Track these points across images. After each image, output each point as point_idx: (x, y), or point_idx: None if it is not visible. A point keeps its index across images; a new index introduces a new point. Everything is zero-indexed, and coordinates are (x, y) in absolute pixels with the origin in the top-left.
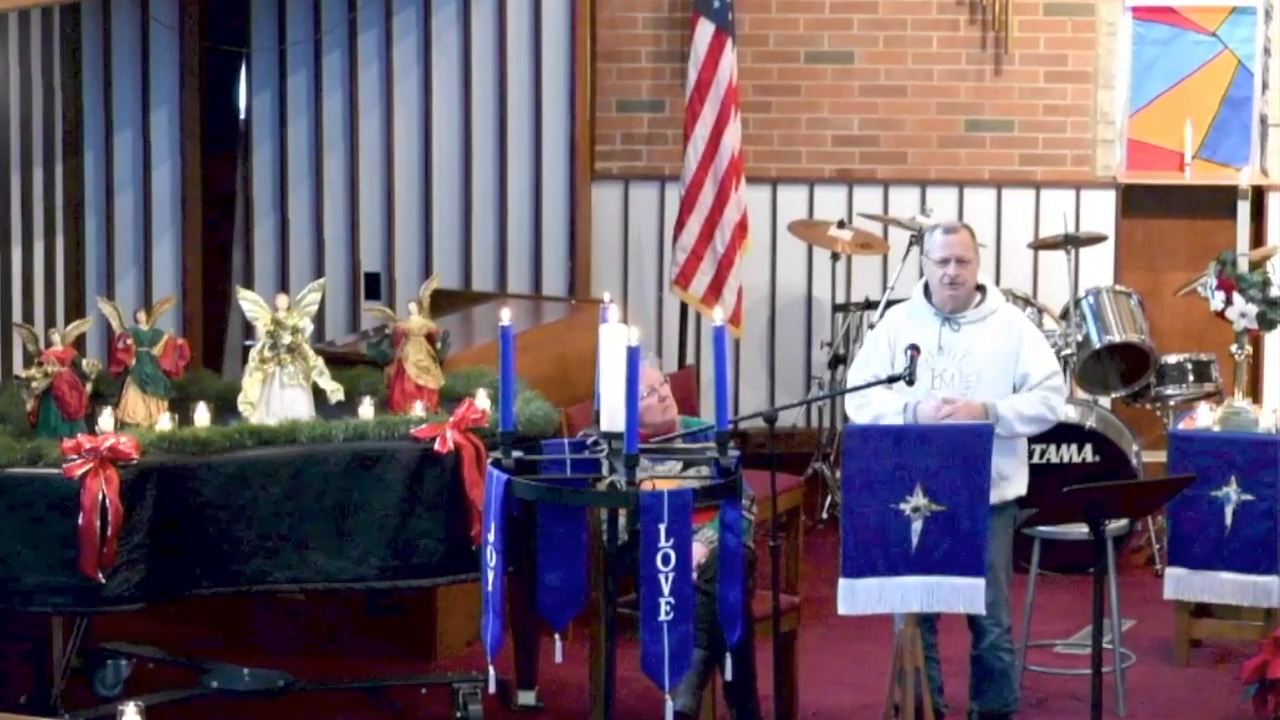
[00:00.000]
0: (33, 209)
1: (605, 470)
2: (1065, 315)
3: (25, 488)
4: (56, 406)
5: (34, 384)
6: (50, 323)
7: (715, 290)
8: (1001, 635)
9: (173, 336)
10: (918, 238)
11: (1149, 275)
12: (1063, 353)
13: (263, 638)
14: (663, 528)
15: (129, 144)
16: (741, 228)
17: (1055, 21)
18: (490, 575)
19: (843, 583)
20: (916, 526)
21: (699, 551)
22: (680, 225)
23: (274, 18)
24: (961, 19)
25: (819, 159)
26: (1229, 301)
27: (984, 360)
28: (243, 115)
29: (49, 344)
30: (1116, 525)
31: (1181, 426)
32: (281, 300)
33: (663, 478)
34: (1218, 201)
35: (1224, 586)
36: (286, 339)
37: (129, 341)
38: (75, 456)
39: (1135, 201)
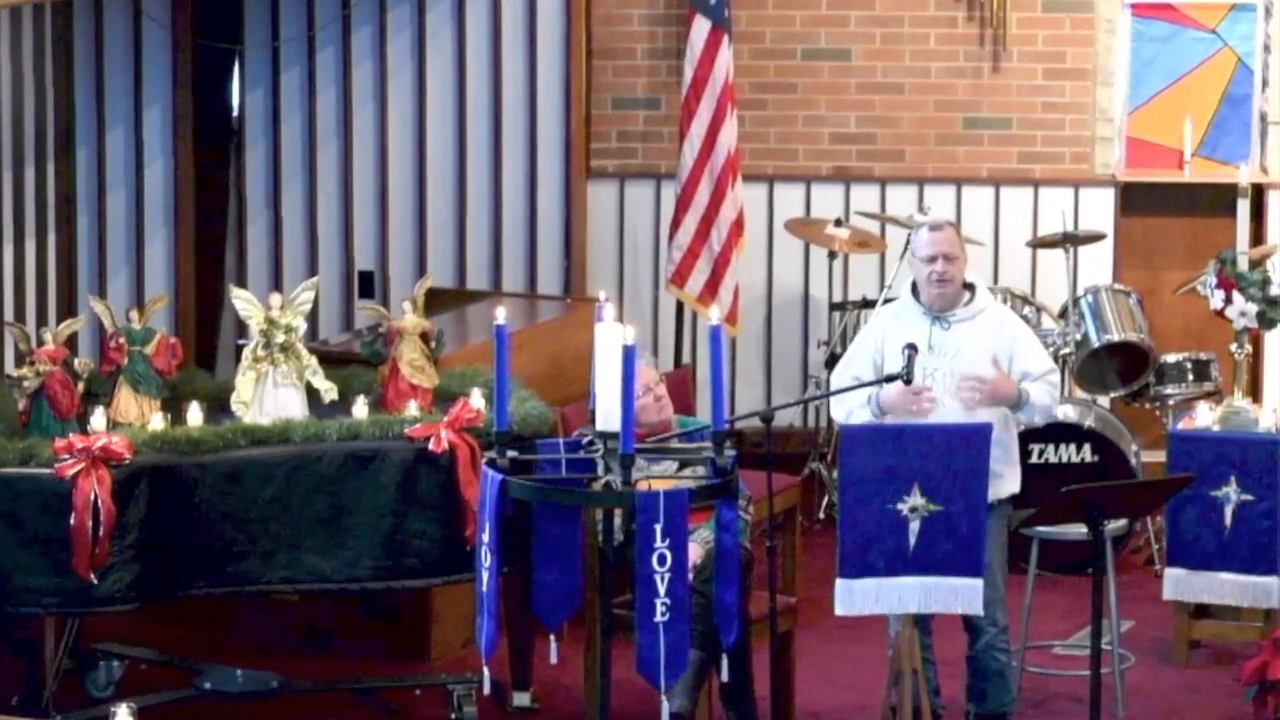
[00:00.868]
0: (24, 207)
1: (601, 470)
2: (1064, 314)
3: (16, 488)
4: (48, 406)
5: (25, 383)
6: (42, 321)
7: (711, 289)
8: (997, 635)
9: (165, 335)
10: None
11: (1148, 274)
12: (1061, 352)
13: (256, 638)
14: (658, 528)
15: (121, 141)
16: (738, 226)
17: (1054, 18)
18: (485, 576)
19: (840, 583)
20: (914, 527)
21: (695, 552)
22: (676, 223)
23: (267, 14)
24: (959, 16)
25: (816, 157)
26: (1229, 300)
27: (974, 359)
28: (235, 112)
29: (41, 343)
30: (1115, 525)
31: (1181, 426)
32: (275, 299)
33: (659, 478)
34: (1217, 200)
35: (1223, 587)
36: (280, 338)
37: (121, 340)
38: (67, 456)
39: (1134, 200)
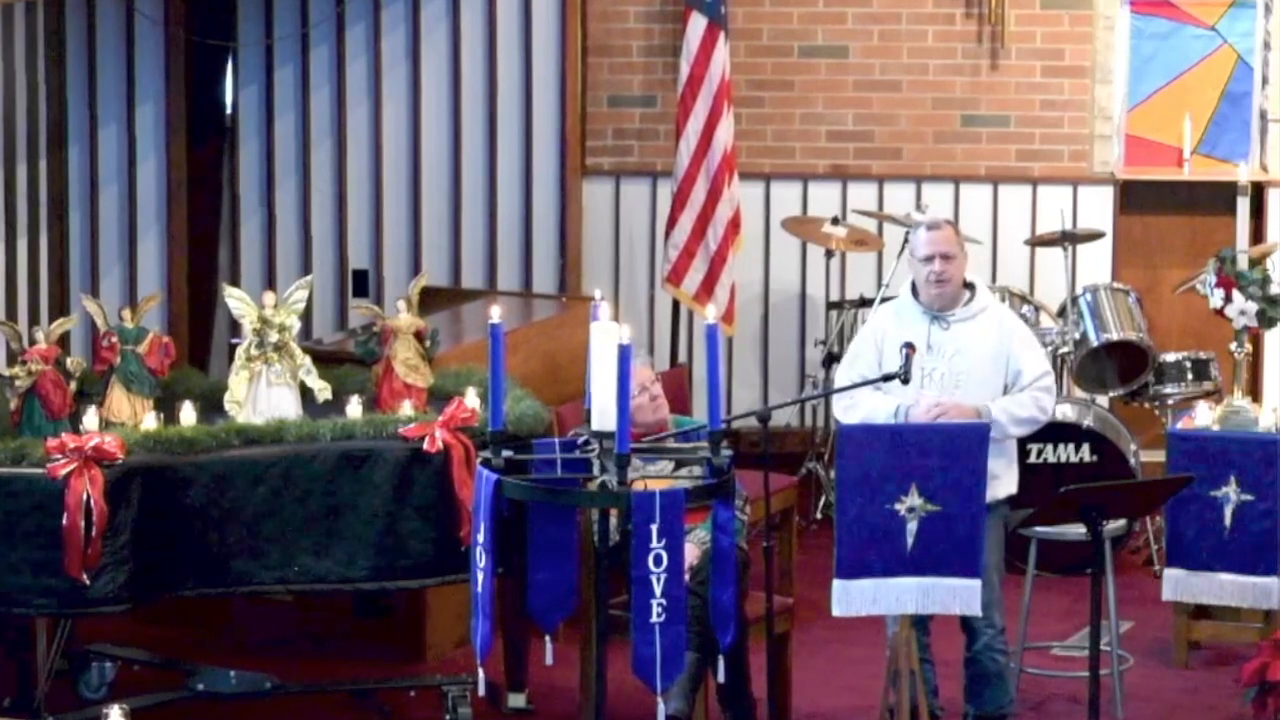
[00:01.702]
0: (16, 205)
1: (596, 470)
2: (1062, 313)
3: (8, 488)
4: (40, 405)
5: (18, 382)
6: (34, 320)
7: (708, 288)
8: (995, 636)
9: (158, 334)
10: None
11: (1147, 272)
12: (1060, 351)
13: (249, 639)
14: (654, 528)
15: (114, 139)
16: (734, 224)
17: (1052, 15)
18: (480, 576)
19: (837, 584)
20: (912, 527)
21: (691, 552)
22: (672, 222)
23: (260, 11)
24: (957, 13)
25: (813, 155)
26: (1228, 299)
27: (974, 359)
28: (229, 110)
29: (33, 342)
30: (1114, 526)
31: (1180, 426)
32: (268, 298)
33: (655, 478)
34: (1217, 198)
35: (1223, 588)
36: (273, 337)
37: (114, 339)
38: (59, 456)
39: (1133, 198)
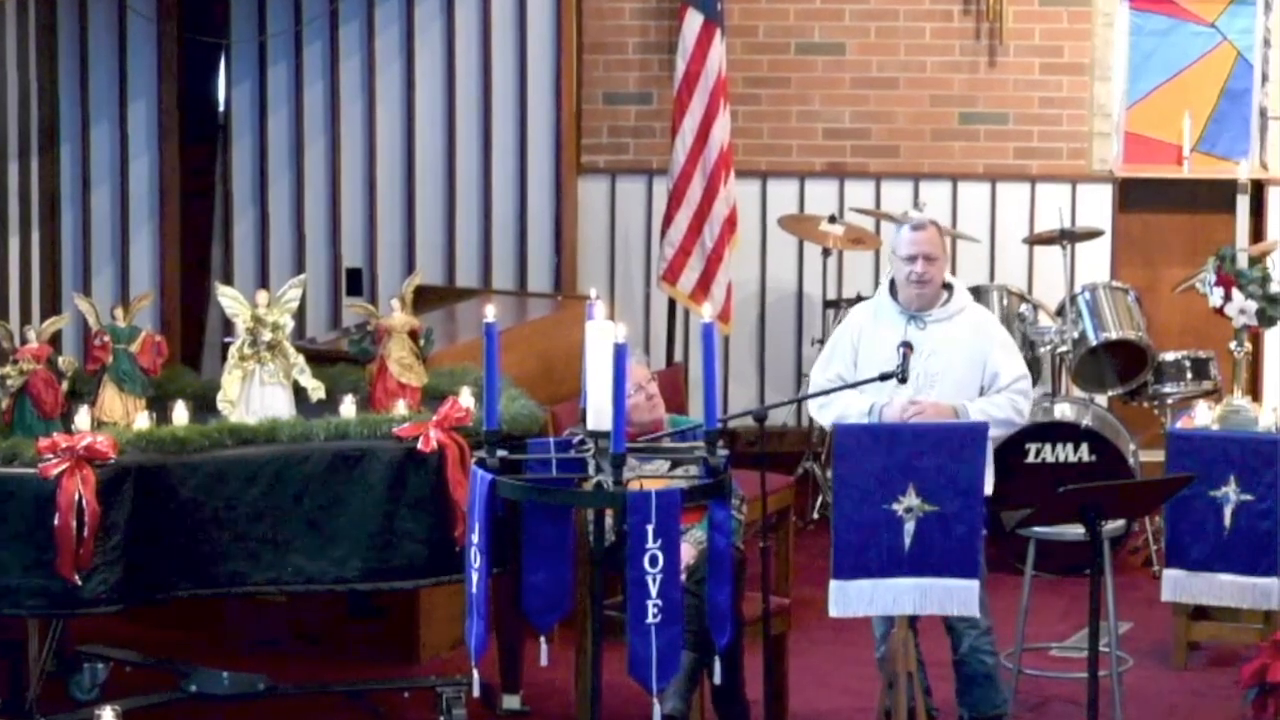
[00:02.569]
0: (7, 203)
1: (591, 470)
2: (1061, 312)
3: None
4: (32, 405)
5: (9, 382)
6: (26, 319)
7: (704, 286)
8: (979, 637)
9: (150, 333)
10: None
11: (1146, 271)
12: (1058, 350)
13: (242, 640)
14: (650, 528)
15: (106, 137)
16: (730, 223)
17: (1051, 12)
18: (474, 577)
19: (834, 584)
20: (909, 527)
21: (687, 553)
22: (668, 220)
23: (254, 8)
24: (955, 9)
25: (810, 152)
26: (1228, 298)
27: (950, 360)
28: (222, 108)
29: (24, 341)
30: (1113, 526)
31: (1179, 425)
32: (261, 296)
33: (650, 477)
34: (1216, 196)
35: (1223, 588)
36: (266, 336)
37: (106, 339)
38: (51, 456)
39: (1132, 196)
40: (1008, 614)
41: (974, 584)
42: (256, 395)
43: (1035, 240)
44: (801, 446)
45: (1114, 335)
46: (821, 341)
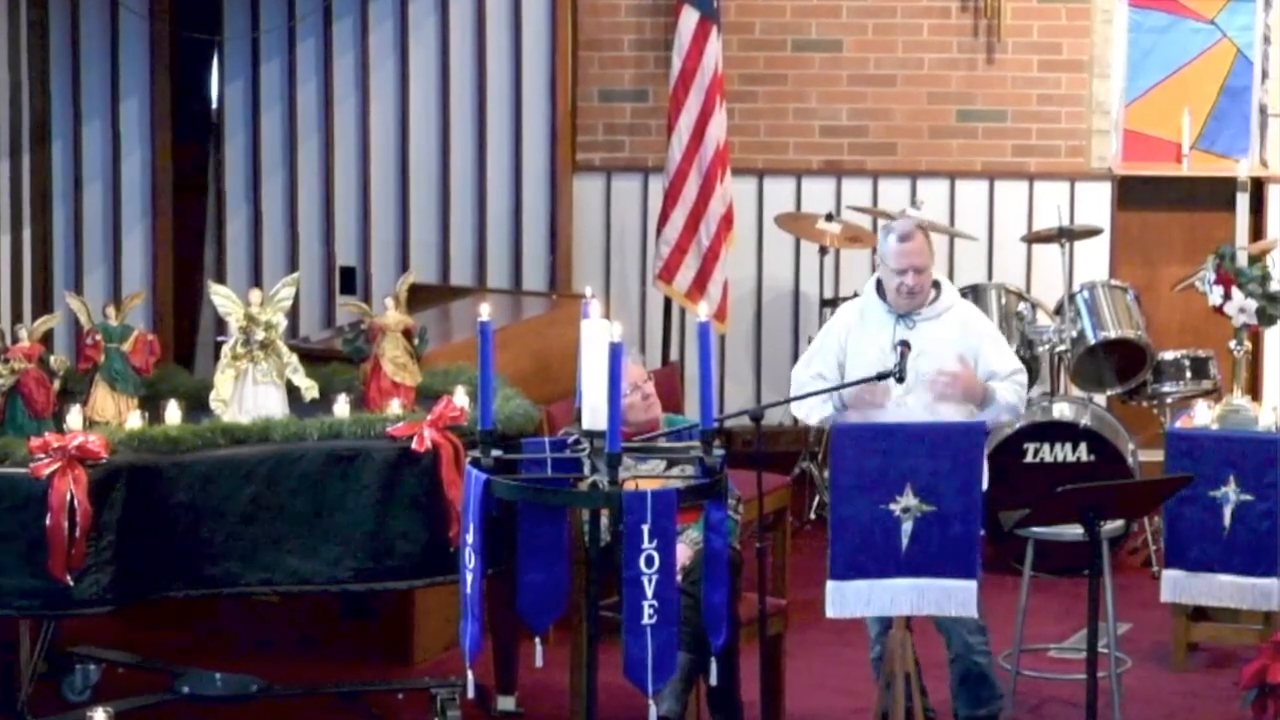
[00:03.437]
0: None
1: (587, 470)
2: (1059, 310)
3: None
4: (23, 404)
5: (0, 381)
6: (17, 318)
7: (700, 285)
8: (971, 635)
9: (143, 332)
10: None
11: (1145, 269)
12: (1057, 349)
13: (235, 641)
14: (646, 529)
15: (98, 134)
16: (727, 221)
17: (1049, 8)
18: (469, 577)
19: (831, 585)
20: (906, 527)
21: (683, 553)
22: (664, 218)
23: (246, 4)
24: (953, 6)
25: (806, 150)
26: (1227, 296)
27: (939, 358)
28: (214, 105)
29: (15, 340)
30: (1112, 526)
31: (1179, 425)
32: (254, 295)
33: (646, 477)
34: (1216, 193)
35: (1222, 589)
36: (260, 335)
37: (98, 337)
38: (43, 455)
39: (1131, 193)
40: (1006, 614)
41: (972, 584)
42: (249, 394)
43: (1033, 238)
44: (798, 446)
45: (1113, 334)
46: None
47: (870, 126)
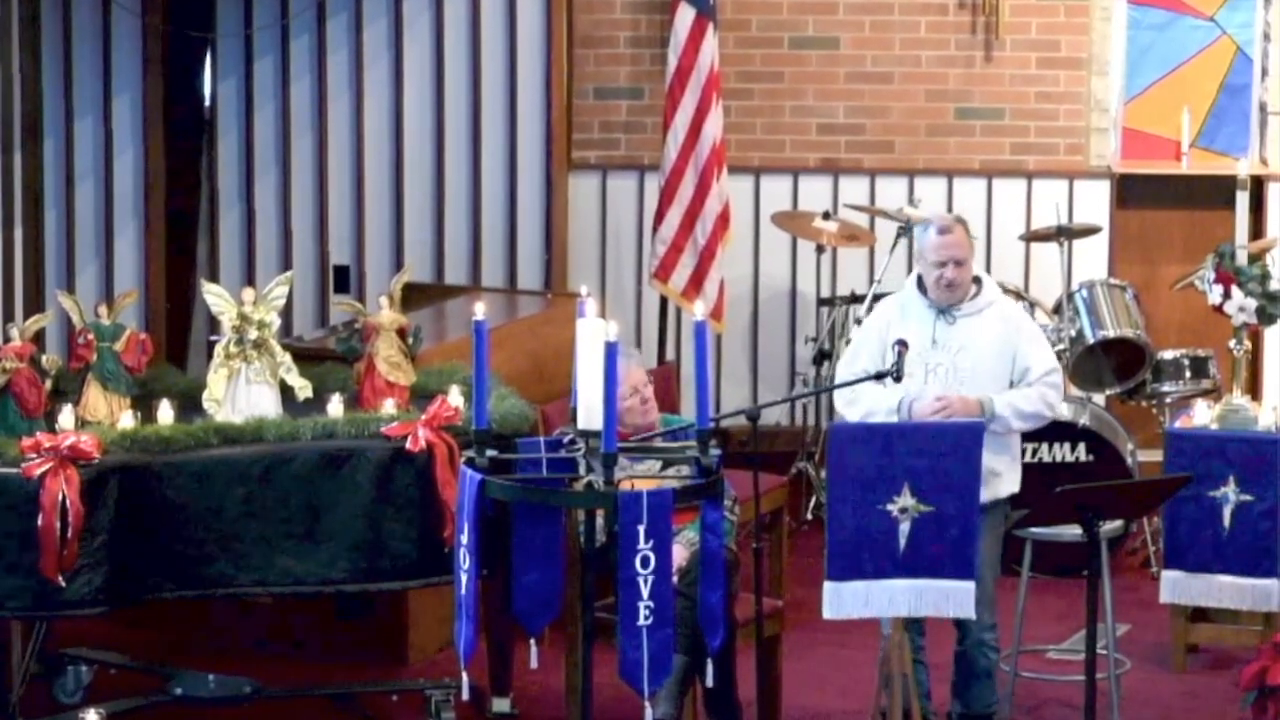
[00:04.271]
0: None
1: (582, 470)
2: (1058, 309)
3: None
4: (15, 404)
5: None
6: (8, 317)
7: (696, 283)
8: (985, 631)
9: (135, 331)
10: (905, 229)
11: (1145, 268)
12: (1055, 348)
13: (228, 642)
14: (642, 529)
15: (90, 132)
16: (723, 219)
17: (1048, 5)
18: (463, 578)
19: (828, 586)
20: (904, 528)
21: (679, 554)
22: (660, 216)
23: (240, 1)
24: (951, 3)
25: (803, 148)
26: (1227, 295)
27: (979, 354)
28: (207, 102)
29: (7, 339)
30: (1111, 527)
31: (1178, 424)
32: (248, 294)
33: (642, 477)
34: (1216, 192)
35: (1222, 590)
36: (253, 334)
37: (90, 337)
38: (34, 455)
39: (1130, 192)
40: (1004, 616)
41: (970, 585)
42: (242, 394)
43: (1032, 237)
44: (795, 446)
45: (1112, 333)
46: (815, 339)
47: (867, 124)
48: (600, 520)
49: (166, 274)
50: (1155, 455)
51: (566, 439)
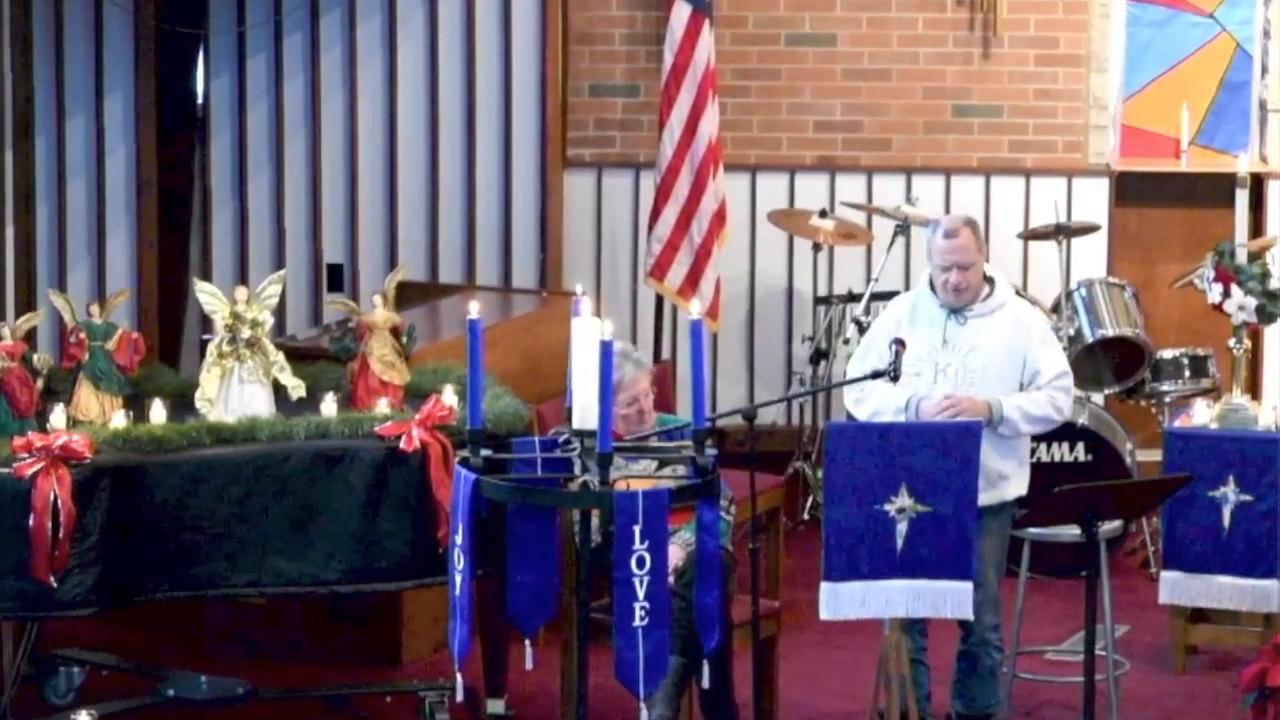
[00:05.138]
0: None
1: (578, 469)
2: (1057, 308)
3: None
4: (6, 403)
5: None
6: (0, 316)
7: (692, 282)
8: (989, 631)
9: (127, 330)
10: (903, 228)
11: (1144, 266)
12: None
13: (221, 644)
14: (637, 529)
15: (81, 130)
16: (719, 217)
17: (1046, 3)
18: (458, 579)
19: (825, 586)
20: (901, 528)
21: (675, 554)
22: (655, 214)
23: None
24: (949, 0)
25: (800, 146)
26: (1227, 294)
27: (989, 355)
28: (200, 100)
29: None
30: (1110, 527)
31: (1177, 424)
32: (240, 293)
33: (637, 477)
34: (1215, 190)
35: (1221, 590)
36: (246, 333)
37: (82, 336)
38: (26, 455)
39: (1129, 190)
40: (1004, 616)
41: (968, 585)
42: (235, 393)
43: (1030, 235)
44: (791, 446)
45: (1111, 332)
46: (811, 338)
47: (865, 122)
48: (595, 520)
49: (159, 272)
50: (1154, 455)
51: (562, 438)
